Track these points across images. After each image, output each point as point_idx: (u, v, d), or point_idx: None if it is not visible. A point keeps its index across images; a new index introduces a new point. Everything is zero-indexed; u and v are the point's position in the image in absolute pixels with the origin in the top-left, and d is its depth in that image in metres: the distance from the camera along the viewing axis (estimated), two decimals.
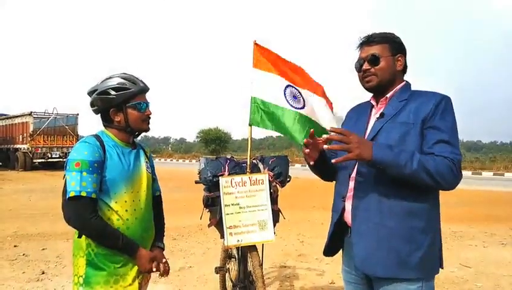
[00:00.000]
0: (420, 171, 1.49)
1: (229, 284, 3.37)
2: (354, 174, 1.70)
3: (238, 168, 2.88)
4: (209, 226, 2.92)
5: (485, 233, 6.50)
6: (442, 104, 1.59)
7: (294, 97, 2.95)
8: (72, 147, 1.86)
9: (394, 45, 1.71)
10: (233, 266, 3.28)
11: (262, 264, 2.81)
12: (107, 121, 1.86)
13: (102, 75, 1.89)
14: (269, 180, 2.78)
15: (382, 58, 1.68)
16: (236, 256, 3.09)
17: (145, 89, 1.89)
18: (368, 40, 1.73)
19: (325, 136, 1.63)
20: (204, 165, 2.92)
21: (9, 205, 9.03)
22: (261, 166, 2.95)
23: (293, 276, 4.35)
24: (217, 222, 2.79)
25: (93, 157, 1.70)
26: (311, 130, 1.71)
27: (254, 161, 2.99)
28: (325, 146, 1.57)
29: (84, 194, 1.66)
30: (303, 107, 2.95)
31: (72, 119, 21.45)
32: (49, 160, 20.18)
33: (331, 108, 3.15)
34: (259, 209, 2.72)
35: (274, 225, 2.76)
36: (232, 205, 2.70)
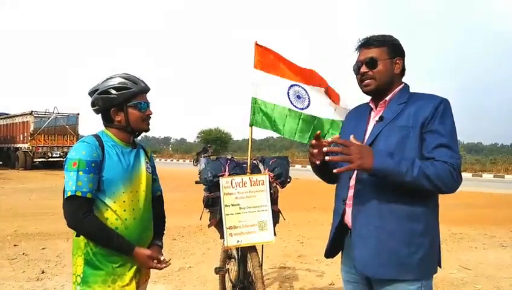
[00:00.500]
0: (421, 178, 1.50)
1: (228, 284, 3.37)
2: (354, 178, 1.71)
3: (238, 169, 2.88)
4: (209, 226, 2.92)
5: (485, 235, 6.50)
6: (441, 108, 1.59)
7: (298, 97, 2.95)
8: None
9: (392, 48, 1.71)
10: (233, 267, 3.28)
11: (262, 265, 2.81)
12: (108, 121, 1.86)
13: (103, 75, 1.90)
14: (269, 181, 2.78)
15: (380, 61, 1.68)
16: (236, 257, 3.08)
17: (146, 89, 1.89)
18: (366, 43, 1.73)
19: (328, 139, 1.61)
20: (205, 165, 2.93)
21: (9, 204, 9.03)
22: (261, 167, 2.95)
23: (293, 277, 4.35)
24: (217, 223, 2.79)
25: (90, 157, 1.71)
26: (318, 131, 1.71)
27: (254, 162, 2.99)
28: (327, 157, 1.58)
29: (79, 193, 1.67)
30: (307, 106, 2.96)
31: (72, 119, 21.46)
32: (50, 159, 20.19)
33: (338, 101, 3.14)
34: (260, 210, 2.72)
35: (274, 226, 2.76)
36: (232, 205, 2.70)
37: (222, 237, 2.73)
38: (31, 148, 19.92)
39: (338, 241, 1.85)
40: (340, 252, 1.90)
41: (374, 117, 1.76)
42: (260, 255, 2.86)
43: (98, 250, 1.74)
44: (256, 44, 2.93)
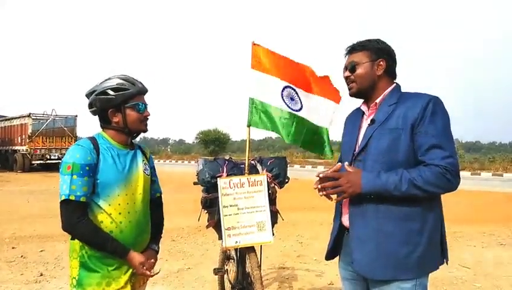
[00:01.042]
0: (411, 190, 1.55)
1: (227, 285, 3.36)
2: None
3: (236, 169, 2.88)
4: (207, 227, 2.91)
5: (484, 233, 6.50)
6: (430, 107, 1.59)
7: (292, 99, 2.94)
8: None
9: (375, 51, 1.74)
10: (231, 268, 3.27)
11: (260, 266, 2.80)
12: (105, 122, 1.85)
13: (101, 76, 1.90)
14: (267, 182, 2.77)
15: (359, 65, 1.75)
16: (235, 257, 3.08)
17: (143, 90, 1.89)
18: (351, 49, 1.80)
19: (320, 175, 1.69)
20: (203, 166, 2.92)
21: (7, 206, 9.01)
22: (259, 167, 2.94)
23: (292, 277, 4.34)
24: (215, 223, 2.78)
25: (85, 160, 1.70)
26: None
27: (252, 162, 2.98)
28: (320, 193, 1.69)
29: (72, 197, 1.66)
30: (300, 109, 2.95)
31: (70, 121, 21.41)
32: (48, 161, 20.12)
33: (338, 99, 3.11)
34: (258, 210, 2.71)
35: (272, 226, 2.75)
36: (231, 206, 2.70)
37: (220, 238, 2.72)
38: (29, 150, 19.87)
39: (338, 244, 1.87)
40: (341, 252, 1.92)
41: (366, 120, 1.79)
42: (259, 256, 2.85)
43: (93, 253, 1.74)
44: (254, 44, 2.92)
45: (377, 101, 1.75)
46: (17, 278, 4.21)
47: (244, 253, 2.88)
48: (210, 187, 2.82)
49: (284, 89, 2.92)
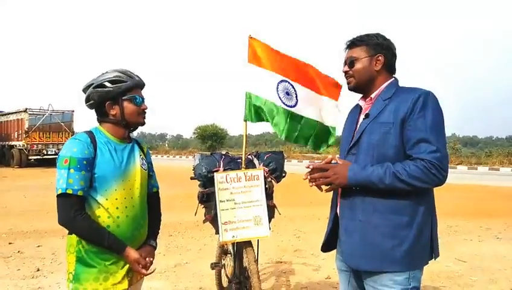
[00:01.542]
0: (395, 183, 1.57)
1: (224, 280, 3.37)
2: None
3: (233, 164, 2.87)
4: (204, 222, 2.91)
5: (480, 227, 6.53)
6: (420, 101, 1.60)
7: (287, 94, 2.92)
8: None
9: (373, 46, 1.76)
10: (229, 262, 3.27)
11: (257, 260, 2.80)
12: (102, 116, 1.84)
13: (98, 71, 1.89)
14: (264, 176, 2.77)
15: (358, 60, 1.77)
16: (232, 252, 3.08)
17: (140, 84, 1.88)
18: (350, 43, 1.82)
19: (309, 167, 1.77)
20: (199, 161, 2.91)
21: (4, 202, 8.98)
22: (256, 162, 2.94)
23: (289, 271, 4.35)
24: (212, 218, 2.78)
25: (82, 154, 1.69)
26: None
27: (249, 157, 2.98)
28: (310, 184, 1.76)
29: (70, 191, 1.65)
30: (295, 105, 2.92)
31: (67, 116, 21.33)
32: (45, 157, 20.05)
33: (337, 96, 3.09)
34: (255, 205, 2.71)
35: (269, 221, 2.75)
36: (227, 200, 2.69)
37: (217, 232, 2.72)
38: (25, 145, 19.79)
39: (334, 235, 1.89)
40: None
41: (362, 114, 1.81)
42: (256, 250, 2.85)
43: (90, 248, 1.73)
44: (250, 37, 2.90)
45: (372, 96, 1.77)
46: (14, 274, 4.20)
47: (241, 247, 2.88)
48: (207, 182, 2.81)
49: (279, 83, 2.89)
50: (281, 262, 4.68)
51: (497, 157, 23.08)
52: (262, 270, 4.28)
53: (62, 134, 20.61)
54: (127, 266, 1.80)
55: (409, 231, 1.61)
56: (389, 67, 1.78)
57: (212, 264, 3.19)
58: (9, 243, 5.42)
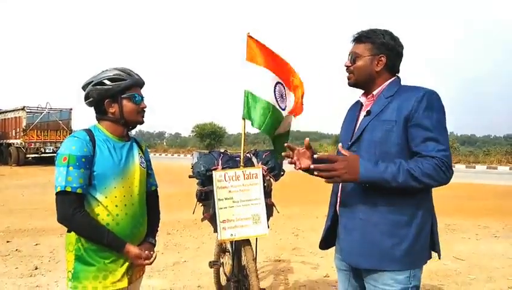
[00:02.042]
0: (408, 181, 1.53)
1: (223, 278, 3.37)
2: None
3: (231, 162, 2.86)
4: (202, 220, 2.91)
5: (478, 226, 6.55)
6: (425, 100, 1.58)
7: (282, 96, 2.90)
8: None
9: (378, 45, 1.73)
10: (227, 260, 3.27)
11: (256, 258, 2.80)
12: (101, 113, 1.84)
13: (96, 70, 1.88)
14: (263, 174, 2.77)
15: (360, 57, 1.75)
16: (230, 250, 3.08)
17: (140, 82, 1.88)
18: (357, 38, 1.79)
19: (315, 155, 1.70)
20: (198, 159, 2.90)
21: (2, 200, 8.95)
22: (254, 160, 2.93)
23: (288, 270, 4.36)
24: (211, 216, 2.77)
25: (81, 152, 1.69)
26: (286, 144, 1.79)
27: (248, 155, 2.97)
28: (315, 173, 1.60)
29: (69, 189, 1.65)
30: (285, 109, 2.91)
31: (65, 114, 21.26)
32: (43, 155, 19.99)
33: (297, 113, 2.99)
34: (253, 203, 2.71)
35: (268, 219, 2.75)
36: (226, 199, 2.69)
37: (216, 230, 2.71)
38: (23, 143, 19.72)
39: (332, 233, 1.88)
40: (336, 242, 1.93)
41: (363, 111, 1.79)
42: (254, 249, 2.85)
43: (89, 246, 1.73)
44: (249, 36, 2.89)
45: (374, 93, 1.76)
46: (12, 272, 4.19)
47: (239, 246, 2.88)
48: (205, 180, 2.81)
49: (276, 84, 2.88)
50: (280, 260, 4.69)
51: (495, 156, 23.15)
52: (261, 268, 4.28)
53: (60, 132, 20.55)
54: (127, 264, 1.80)
55: (408, 230, 1.60)
56: (391, 68, 1.76)
57: (210, 262, 3.19)
58: (7, 241, 5.41)
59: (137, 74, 1.87)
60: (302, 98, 2.99)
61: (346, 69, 1.80)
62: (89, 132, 1.78)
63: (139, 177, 1.86)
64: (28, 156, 20.03)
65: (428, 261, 1.72)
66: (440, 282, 3.97)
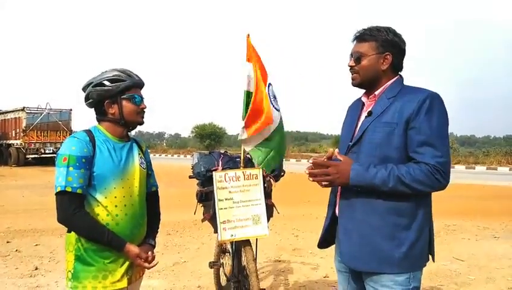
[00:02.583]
0: (398, 186, 1.54)
1: (223, 278, 3.38)
2: None
3: (231, 163, 2.87)
4: (202, 221, 2.91)
5: (478, 227, 6.56)
6: (427, 104, 1.56)
7: (274, 97, 2.88)
8: None
9: (383, 43, 1.68)
10: (227, 261, 3.28)
11: (256, 259, 2.81)
12: (101, 114, 1.85)
13: (96, 71, 1.90)
14: (263, 175, 2.77)
15: (365, 57, 1.70)
16: (231, 251, 3.08)
17: (140, 83, 1.88)
18: (359, 36, 1.74)
19: (311, 161, 1.71)
20: (198, 160, 2.91)
21: (1, 200, 8.95)
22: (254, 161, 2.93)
23: (288, 270, 4.36)
24: (211, 217, 2.78)
25: (81, 152, 1.69)
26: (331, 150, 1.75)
27: (248, 156, 2.98)
28: (310, 178, 1.67)
29: (69, 189, 1.66)
30: (279, 110, 2.87)
31: (65, 115, 21.28)
32: (43, 155, 20.01)
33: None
34: (253, 204, 2.71)
35: (268, 220, 2.75)
36: (226, 199, 2.69)
37: (216, 231, 2.72)
38: (23, 144, 19.74)
39: (331, 233, 1.88)
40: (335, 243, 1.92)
41: (365, 111, 1.76)
42: (254, 249, 2.85)
43: (89, 246, 1.73)
44: (249, 37, 2.89)
45: (376, 93, 1.72)
46: (12, 272, 4.19)
47: (239, 246, 2.89)
48: (205, 181, 2.81)
49: (269, 85, 2.85)
50: (279, 261, 4.69)
51: (494, 157, 23.18)
52: (261, 269, 4.28)
53: (60, 133, 20.56)
54: (126, 264, 1.80)
55: (407, 233, 1.59)
56: (396, 66, 1.73)
57: (210, 263, 3.19)
58: (7, 242, 5.41)
59: (137, 75, 1.88)
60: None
61: (350, 69, 1.75)
62: (89, 132, 1.79)
63: (139, 177, 1.87)
64: (27, 156, 20.05)
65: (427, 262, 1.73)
66: (440, 282, 3.98)
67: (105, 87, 1.79)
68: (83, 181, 1.69)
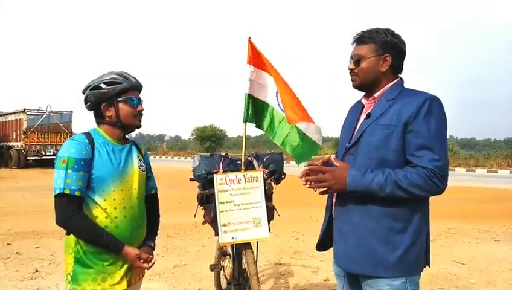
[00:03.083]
0: (395, 191, 1.53)
1: (223, 281, 3.38)
2: None
3: (232, 166, 2.87)
4: (203, 223, 2.91)
5: (478, 230, 6.54)
6: (425, 107, 1.55)
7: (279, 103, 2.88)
8: None
9: (382, 45, 1.68)
10: (228, 264, 3.28)
11: (256, 262, 2.81)
12: (99, 117, 1.86)
13: (97, 72, 1.91)
14: (264, 178, 2.77)
15: (365, 59, 1.70)
16: (231, 253, 3.08)
17: (137, 85, 1.89)
18: (358, 39, 1.74)
19: (306, 167, 1.70)
20: (199, 162, 2.91)
21: (2, 202, 8.95)
22: (255, 163, 2.94)
23: (288, 273, 4.35)
24: (212, 220, 2.78)
25: (80, 155, 1.70)
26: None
27: (249, 158, 2.98)
28: (306, 185, 1.67)
29: (67, 191, 1.66)
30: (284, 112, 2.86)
31: (66, 117, 21.32)
32: (43, 157, 20.03)
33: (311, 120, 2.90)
34: (254, 206, 2.71)
35: (269, 222, 2.75)
36: (227, 202, 2.70)
37: (217, 234, 2.72)
38: (24, 146, 19.76)
39: (329, 236, 1.86)
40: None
41: (364, 113, 1.76)
42: (255, 252, 2.85)
43: (88, 248, 1.74)
44: (250, 40, 2.91)
45: (376, 95, 1.72)
46: (12, 275, 4.19)
47: (240, 249, 2.89)
48: (206, 183, 2.81)
49: (277, 93, 2.86)
50: (280, 264, 4.69)
51: (495, 160, 23.15)
52: (261, 272, 4.28)
53: (60, 135, 20.58)
54: (126, 266, 1.80)
55: (403, 237, 1.58)
56: (396, 67, 1.72)
57: (211, 265, 3.19)
58: (8, 244, 5.41)
59: (134, 77, 1.89)
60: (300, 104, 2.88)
61: (350, 72, 1.75)
62: (88, 135, 1.80)
63: (138, 180, 1.87)
64: (28, 158, 20.06)
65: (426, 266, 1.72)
66: (440, 286, 3.97)
67: (102, 90, 1.80)
68: (82, 183, 1.69)
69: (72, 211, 1.67)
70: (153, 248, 1.97)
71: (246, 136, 2.93)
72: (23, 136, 19.73)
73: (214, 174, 2.73)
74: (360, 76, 1.72)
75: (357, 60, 1.71)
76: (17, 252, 5.01)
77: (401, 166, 1.57)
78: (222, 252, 3.27)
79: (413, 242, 1.59)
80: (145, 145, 2.11)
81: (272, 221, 2.86)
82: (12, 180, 14.31)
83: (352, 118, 1.83)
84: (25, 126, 19.88)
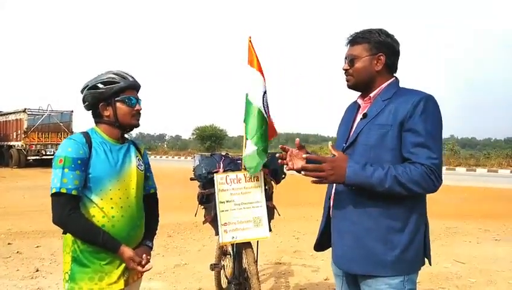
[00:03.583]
0: (395, 187, 1.52)
1: (224, 281, 3.38)
2: None
3: (233, 165, 2.87)
4: (203, 223, 2.92)
5: (479, 229, 6.55)
6: (421, 105, 1.56)
7: (268, 106, 2.84)
8: None
9: (375, 44, 1.69)
10: (228, 263, 3.28)
11: (257, 261, 2.81)
12: (97, 117, 1.86)
13: (96, 71, 1.91)
14: (264, 177, 2.78)
15: (358, 59, 1.71)
16: (232, 253, 3.08)
17: (134, 84, 1.88)
18: (351, 40, 1.75)
19: (304, 155, 1.68)
20: (199, 162, 2.92)
21: (2, 202, 8.97)
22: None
23: (288, 272, 4.36)
24: (212, 219, 2.78)
25: (77, 154, 1.70)
26: (297, 140, 1.74)
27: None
28: (302, 172, 1.62)
29: (64, 190, 1.67)
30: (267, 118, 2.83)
31: (66, 116, 21.33)
32: (44, 157, 20.03)
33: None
34: (254, 206, 2.72)
35: (269, 222, 2.76)
36: (227, 201, 2.70)
37: (217, 233, 2.72)
38: (24, 146, 19.77)
39: (327, 236, 1.86)
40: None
41: (360, 113, 1.76)
42: (255, 251, 2.86)
43: (85, 247, 1.74)
44: (250, 40, 2.90)
45: (371, 95, 1.72)
46: (13, 274, 4.20)
47: (240, 248, 2.89)
48: (206, 183, 2.82)
49: (264, 93, 2.83)
50: (280, 263, 4.69)
51: (495, 159, 23.14)
52: (261, 271, 4.28)
53: (61, 134, 20.58)
54: (123, 266, 1.80)
55: (401, 236, 1.58)
56: (390, 66, 1.73)
57: (211, 265, 3.19)
58: (8, 244, 5.42)
59: (132, 77, 1.88)
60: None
61: (345, 72, 1.77)
62: (86, 134, 1.80)
63: (136, 179, 1.87)
64: (29, 158, 20.08)
65: (427, 265, 1.72)
66: (440, 285, 3.97)
67: (99, 90, 1.80)
68: (78, 183, 1.70)
69: (68, 210, 1.67)
70: (151, 248, 1.97)
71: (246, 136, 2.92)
72: (23, 136, 19.74)
73: (215, 174, 2.73)
74: (354, 76, 1.73)
75: (351, 60, 1.73)
76: (17, 252, 5.02)
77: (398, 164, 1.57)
78: (222, 252, 3.27)
79: (411, 241, 1.60)
80: (145, 145, 2.11)
81: (272, 220, 2.86)
82: (13, 179, 14.32)
83: (349, 118, 1.83)
84: (25, 126, 19.89)
